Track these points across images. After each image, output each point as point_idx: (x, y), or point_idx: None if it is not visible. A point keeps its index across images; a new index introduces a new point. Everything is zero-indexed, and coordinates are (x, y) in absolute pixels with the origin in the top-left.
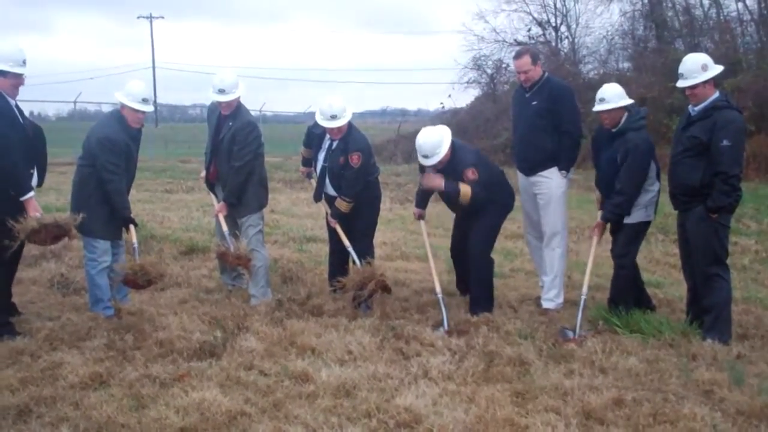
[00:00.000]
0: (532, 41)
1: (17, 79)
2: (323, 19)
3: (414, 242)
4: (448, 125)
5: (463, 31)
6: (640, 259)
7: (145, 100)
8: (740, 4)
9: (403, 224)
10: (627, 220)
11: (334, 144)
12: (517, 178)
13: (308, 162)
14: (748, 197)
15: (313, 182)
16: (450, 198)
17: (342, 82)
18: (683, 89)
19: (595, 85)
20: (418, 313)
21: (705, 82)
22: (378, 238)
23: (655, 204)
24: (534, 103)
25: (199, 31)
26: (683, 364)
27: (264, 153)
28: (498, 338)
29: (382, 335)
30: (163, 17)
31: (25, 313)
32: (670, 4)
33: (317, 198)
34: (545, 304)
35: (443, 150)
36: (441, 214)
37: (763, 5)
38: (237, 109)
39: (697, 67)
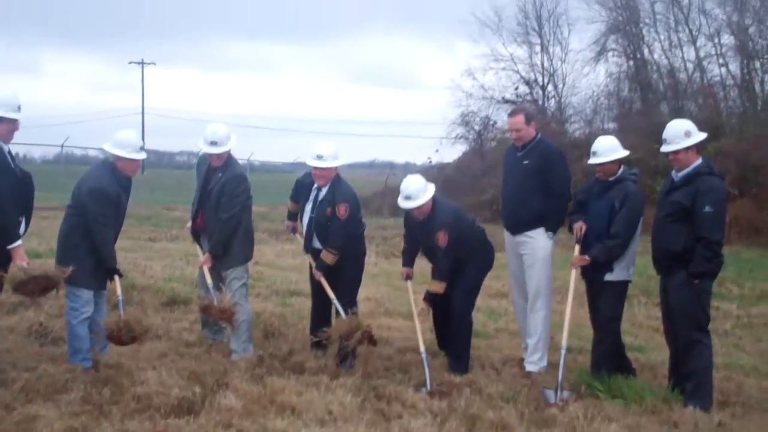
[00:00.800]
0: (520, 99)
1: (12, 125)
2: (312, 71)
3: (398, 298)
4: (435, 180)
5: (451, 87)
6: (623, 322)
7: (141, 148)
8: (723, 69)
9: (388, 280)
10: (609, 278)
11: (321, 194)
12: (503, 236)
13: (293, 216)
14: (730, 261)
15: (299, 237)
16: (430, 253)
17: (330, 134)
18: (667, 153)
19: (581, 144)
20: (401, 372)
21: (688, 148)
22: (362, 293)
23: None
24: (525, 162)
25: (188, 78)
26: None
27: (251, 205)
28: (480, 401)
29: (364, 395)
30: (155, 63)
31: (1, 363)
32: (655, 67)
33: (307, 249)
34: (528, 367)
35: (425, 197)
36: (425, 271)
37: (745, 71)
38: (227, 160)
39: (681, 133)
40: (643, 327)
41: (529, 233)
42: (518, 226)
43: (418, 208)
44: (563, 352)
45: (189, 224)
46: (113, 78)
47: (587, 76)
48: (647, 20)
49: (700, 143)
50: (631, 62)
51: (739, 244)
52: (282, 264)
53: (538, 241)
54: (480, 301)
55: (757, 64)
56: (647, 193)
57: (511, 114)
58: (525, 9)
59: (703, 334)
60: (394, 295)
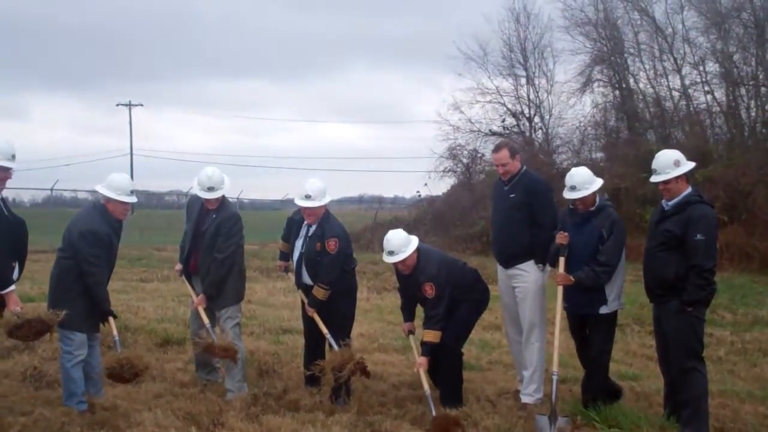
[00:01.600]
0: (507, 131)
1: (5, 173)
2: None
3: (392, 333)
4: (424, 213)
5: (438, 120)
6: (617, 351)
7: (132, 192)
8: (709, 96)
9: (381, 315)
10: (603, 311)
11: (311, 230)
12: (495, 269)
13: (285, 256)
14: (723, 288)
15: (291, 275)
16: (423, 303)
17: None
18: (657, 183)
19: None
20: (396, 407)
21: (678, 178)
22: (355, 329)
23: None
24: (512, 195)
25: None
26: None
27: (244, 244)
28: None
29: (360, 431)
30: (142, 105)
31: None
32: (640, 96)
33: (299, 285)
34: (524, 399)
35: (408, 250)
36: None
37: (731, 97)
38: (221, 201)
39: (670, 163)
40: (636, 356)
41: (520, 266)
42: (509, 259)
43: (403, 261)
44: (555, 378)
45: (178, 266)
46: (101, 120)
47: (573, 106)
48: (632, 50)
49: (689, 172)
50: (617, 92)
51: (730, 271)
52: (274, 302)
53: (529, 275)
54: (473, 333)
55: (743, 91)
56: (636, 222)
57: (496, 150)
58: (510, 42)
59: (698, 361)
60: (388, 329)
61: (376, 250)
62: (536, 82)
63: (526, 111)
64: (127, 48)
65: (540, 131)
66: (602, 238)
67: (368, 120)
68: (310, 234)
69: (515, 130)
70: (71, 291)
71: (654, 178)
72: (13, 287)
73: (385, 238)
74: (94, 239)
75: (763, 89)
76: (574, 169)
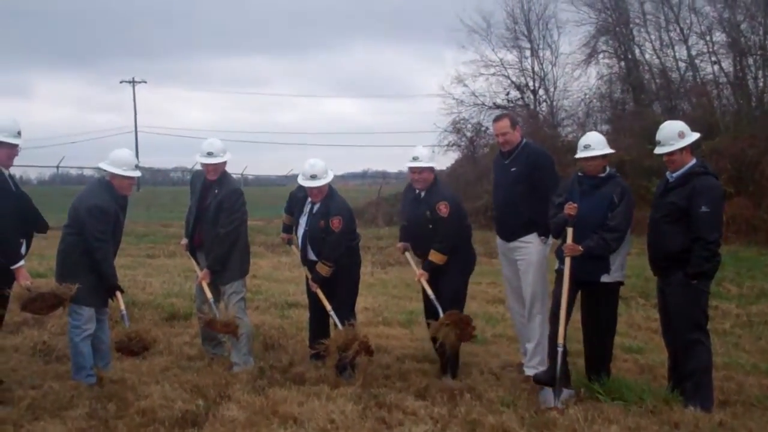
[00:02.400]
0: (511, 105)
1: (11, 150)
2: (300, 84)
3: (396, 307)
4: None
5: (442, 94)
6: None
7: (136, 166)
8: (716, 67)
9: (385, 289)
10: (606, 279)
11: (315, 207)
12: (496, 243)
13: (289, 229)
14: (729, 261)
15: (295, 249)
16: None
17: (323, 145)
18: (662, 154)
19: (574, 147)
20: (400, 380)
21: (682, 149)
22: (359, 303)
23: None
24: (513, 169)
25: (177, 95)
26: None
27: (247, 219)
28: (480, 406)
29: (364, 403)
30: (146, 82)
31: (7, 382)
32: (646, 68)
33: (304, 262)
34: (528, 372)
35: (432, 162)
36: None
37: (738, 68)
38: (223, 176)
39: (674, 135)
40: (641, 328)
41: (522, 239)
42: (511, 232)
43: (421, 171)
44: (560, 350)
45: (184, 241)
46: (104, 97)
47: (578, 78)
48: (637, 20)
49: (693, 143)
50: (623, 63)
51: (737, 243)
52: (279, 276)
53: (531, 247)
54: (477, 306)
55: (750, 61)
56: (642, 194)
57: (496, 119)
58: (513, 14)
59: (702, 334)
60: (392, 303)
61: (381, 224)
62: (540, 54)
63: (531, 83)
64: (128, 25)
65: (545, 104)
66: (613, 203)
67: (370, 94)
68: (314, 211)
69: (519, 102)
70: (78, 266)
71: (658, 150)
72: (22, 263)
73: (414, 149)
74: (100, 215)
75: None
76: (588, 132)
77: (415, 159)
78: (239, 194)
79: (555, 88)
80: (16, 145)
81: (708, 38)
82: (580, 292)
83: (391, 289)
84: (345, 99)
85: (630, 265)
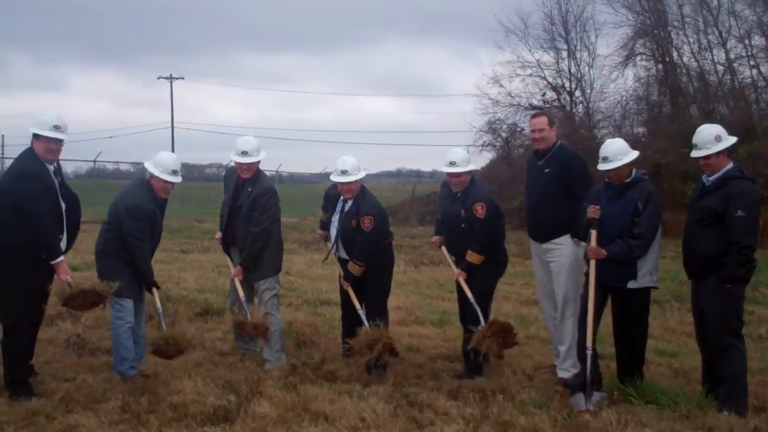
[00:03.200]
0: (547, 106)
1: (48, 144)
2: (336, 82)
3: (428, 306)
4: None
5: (477, 94)
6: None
7: (174, 172)
8: (754, 71)
9: (418, 288)
10: (632, 285)
11: (347, 206)
12: (529, 245)
13: (326, 226)
14: (765, 265)
15: (329, 245)
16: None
17: (357, 143)
18: (698, 158)
19: None
20: (432, 380)
21: (719, 153)
22: (392, 302)
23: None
24: (546, 170)
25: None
26: None
27: (280, 216)
28: (512, 407)
29: (396, 402)
30: (183, 78)
31: (41, 374)
32: (684, 71)
33: (338, 259)
34: (561, 374)
35: (469, 166)
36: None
37: None
38: (256, 174)
39: (711, 138)
40: (675, 332)
41: (555, 241)
42: (544, 234)
43: (458, 175)
44: (589, 352)
45: (218, 234)
46: (141, 93)
47: (615, 80)
48: (675, 23)
49: (730, 147)
50: (660, 66)
51: None
52: (312, 274)
53: (564, 249)
54: (510, 308)
55: None
56: (678, 198)
57: (534, 116)
58: (551, 15)
59: (737, 338)
60: (424, 303)
61: (414, 223)
62: (578, 56)
63: (567, 85)
64: (164, 21)
65: (581, 105)
66: (637, 210)
67: (405, 94)
68: (345, 210)
69: (555, 104)
70: (117, 261)
71: (694, 153)
72: (62, 257)
73: (447, 151)
74: (139, 214)
75: None
76: (608, 141)
77: (452, 164)
78: (272, 193)
79: (591, 90)
80: (53, 139)
81: (747, 42)
82: (610, 297)
83: (424, 288)
84: (380, 97)
85: (665, 269)
